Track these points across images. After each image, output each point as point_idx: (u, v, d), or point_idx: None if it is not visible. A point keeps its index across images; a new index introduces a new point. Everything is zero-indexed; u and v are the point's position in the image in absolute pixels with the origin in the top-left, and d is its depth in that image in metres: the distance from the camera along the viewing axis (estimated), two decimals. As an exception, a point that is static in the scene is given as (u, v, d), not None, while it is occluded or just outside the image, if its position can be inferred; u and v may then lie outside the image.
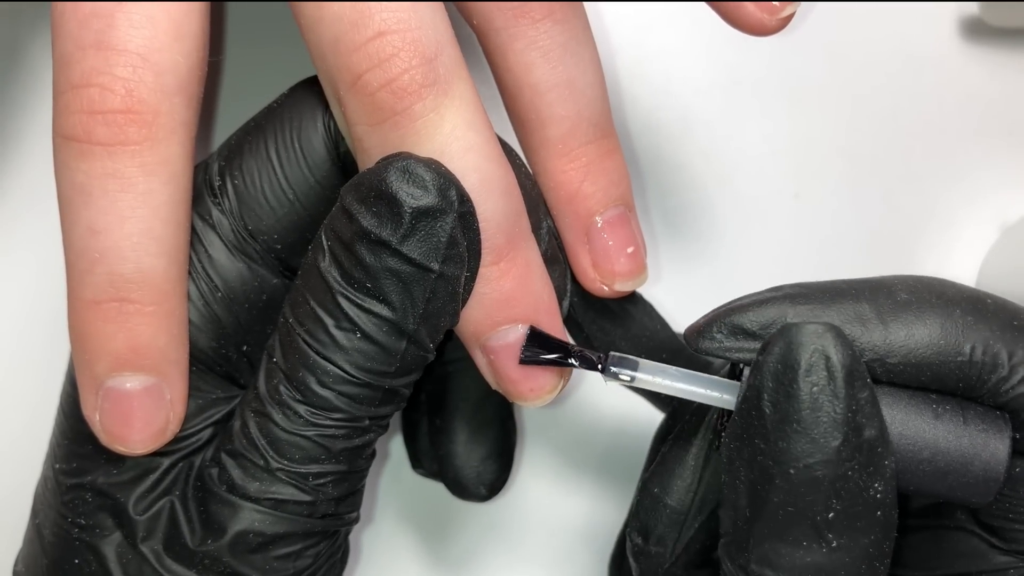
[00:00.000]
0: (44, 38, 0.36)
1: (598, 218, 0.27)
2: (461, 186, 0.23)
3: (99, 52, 0.23)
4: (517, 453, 0.34)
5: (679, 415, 0.32)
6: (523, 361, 0.25)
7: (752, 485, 0.23)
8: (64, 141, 0.23)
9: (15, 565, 0.27)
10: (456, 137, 0.23)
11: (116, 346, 0.24)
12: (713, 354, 0.24)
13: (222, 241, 0.26)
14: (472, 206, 0.24)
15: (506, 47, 0.26)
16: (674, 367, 0.25)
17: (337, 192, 0.25)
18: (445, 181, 0.23)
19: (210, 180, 0.26)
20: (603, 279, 0.27)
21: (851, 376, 0.22)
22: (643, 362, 0.25)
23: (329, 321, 0.23)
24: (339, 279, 0.23)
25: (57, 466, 0.26)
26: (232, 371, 0.26)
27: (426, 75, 0.23)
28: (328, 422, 0.24)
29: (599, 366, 0.25)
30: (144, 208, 0.23)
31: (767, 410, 0.22)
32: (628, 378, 0.25)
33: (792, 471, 0.22)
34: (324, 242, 0.24)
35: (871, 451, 0.22)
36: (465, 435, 0.31)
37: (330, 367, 0.23)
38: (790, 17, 0.25)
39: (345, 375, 0.23)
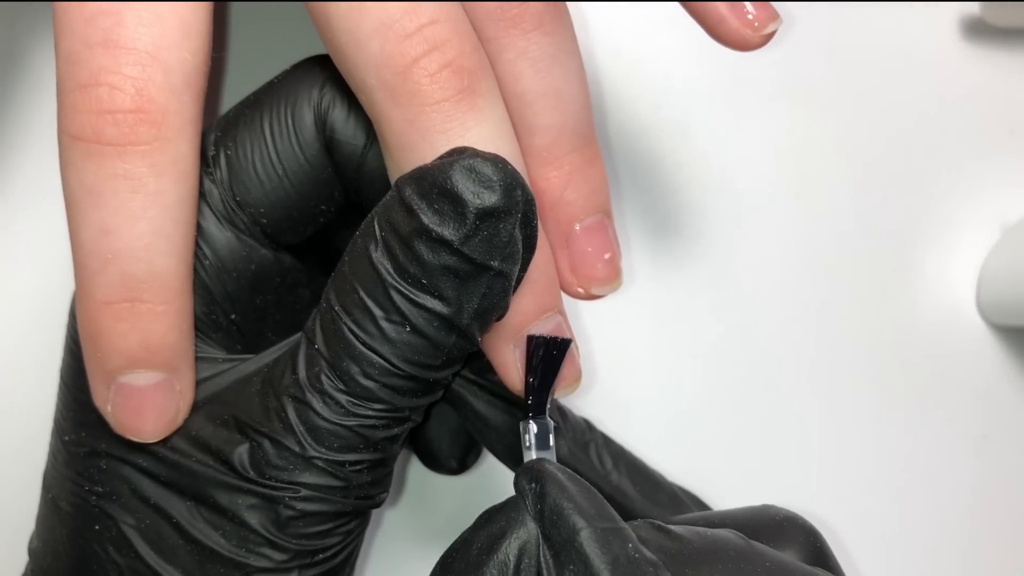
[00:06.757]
0: (44, 38, 0.35)
1: (578, 225, 0.27)
2: (526, 184, 0.23)
3: (107, 50, 0.22)
4: (519, 452, 0.34)
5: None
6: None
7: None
8: (72, 141, 0.23)
9: (30, 543, 0.27)
10: (506, 119, 0.24)
11: (129, 345, 0.24)
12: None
13: (211, 211, 0.26)
14: (535, 203, 0.23)
15: (496, 57, 0.26)
16: (554, 462, 0.25)
17: (324, 174, 0.25)
18: (512, 180, 0.22)
19: (204, 150, 0.26)
20: (580, 283, 0.27)
21: None
22: (550, 454, 0.26)
23: (379, 313, 0.23)
24: (392, 272, 0.23)
25: (66, 438, 0.25)
26: (224, 337, 0.26)
27: (479, 60, 0.24)
28: (369, 412, 0.23)
29: (534, 413, 0.26)
30: (155, 208, 0.23)
31: None
32: (528, 439, 0.26)
33: None
34: (377, 231, 0.23)
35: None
36: (437, 407, 0.31)
37: (376, 359, 0.23)
38: (773, 34, 0.25)
39: (391, 367, 0.23)
